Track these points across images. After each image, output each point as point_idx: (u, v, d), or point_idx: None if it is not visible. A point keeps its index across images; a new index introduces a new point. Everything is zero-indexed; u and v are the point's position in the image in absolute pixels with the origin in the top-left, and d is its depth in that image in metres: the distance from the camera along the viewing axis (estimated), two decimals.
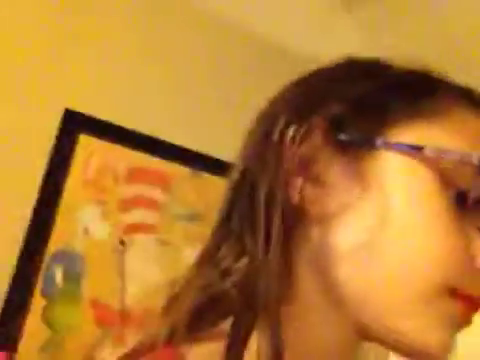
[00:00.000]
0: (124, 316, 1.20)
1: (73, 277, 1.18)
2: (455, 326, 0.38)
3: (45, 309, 1.13)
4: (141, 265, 1.26)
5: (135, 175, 1.33)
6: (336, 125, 0.39)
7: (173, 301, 0.41)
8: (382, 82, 0.40)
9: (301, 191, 0.38)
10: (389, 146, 0.38)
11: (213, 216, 1.29)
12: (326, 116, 0.39)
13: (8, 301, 1.10)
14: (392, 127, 0.38)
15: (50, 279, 1.16)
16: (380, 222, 0.37)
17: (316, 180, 0.38)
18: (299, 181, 0.38)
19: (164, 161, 1.37)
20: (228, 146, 1.46)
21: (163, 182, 1.36)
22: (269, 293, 0.36)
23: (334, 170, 0.38)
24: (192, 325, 0.39)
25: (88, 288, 1.18)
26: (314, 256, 0.38)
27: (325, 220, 0.38)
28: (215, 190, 1.39)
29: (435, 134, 0.38)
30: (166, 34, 1.48)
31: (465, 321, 0.38)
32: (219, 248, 0.40)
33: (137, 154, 1.34)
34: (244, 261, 0.38)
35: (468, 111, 0.40)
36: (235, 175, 0.41)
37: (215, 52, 1.54)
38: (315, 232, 0.38)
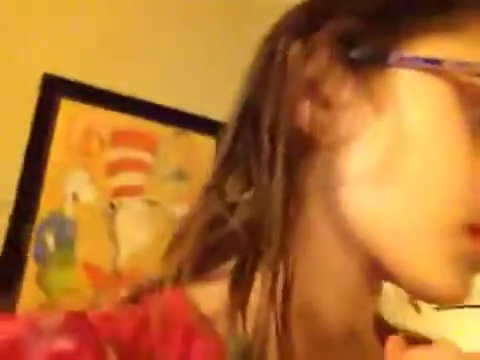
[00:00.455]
0: (117, 277, 1.22)
1: (65, 242, 1.20)
2: (474, 267, 0.35)
3: (39, 274, 1.15)
4: (131, 227, 1.27)
5: (120, 138, 1.32)
6: (345, 41, 0.36)
7: (178, 239, 0.39)
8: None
9: (309, 115, 0.35)
10: (404, 61, 0.35)
11: (200, 175, 1.30)
12: (333, 32, 0.35)
13: (2, 268, 1.12)
14: (407, 41, 0.35)
15: (42, 245, 1.18)
16: (395, 145, 0.34)
17: (325, 103, 0.36)
18: (306, 105, 0.36)
19: (148, 122, 1.37)
20: (214, 104, 1.45)
21: (148, 143, 1.36)
22: (274, 224, 0.34)
23: (344, 91, 0.35)
24: (199, 265, 0.38)
25: (80, 252, 1.21)
26: (322, 184, 0.36)
27: (335, 145, 0.35)
28: (201, 149, 1.40)
29: (454, 48, 0.35)
30: None
31: None
32: (226, 180, 0.38)
33: (121, 116, 1.34)
34: (250, 193, 0.36)
35: None
36: (239, 102, 0.38)
37: (199, 7, 1.50)
38: (323, 160, 0.36)
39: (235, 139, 0.38)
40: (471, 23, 0.36)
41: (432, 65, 0.34)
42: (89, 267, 1.20)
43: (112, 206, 1.27)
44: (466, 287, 0.35)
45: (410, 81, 0.35)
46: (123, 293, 1.15)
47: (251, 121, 0.36)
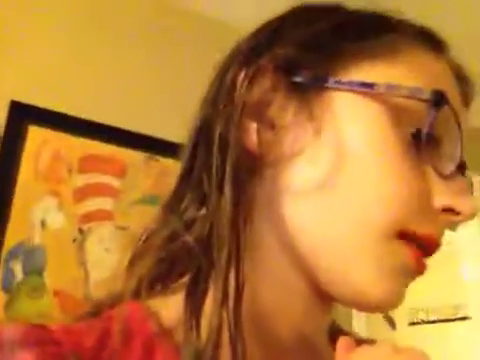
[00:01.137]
0: (88, 304, 1.21)
1: (34, 270, 1.18)
2: (407, 273, 0.37)
3: (7, 304, 1.13)
4: (101, 252, 1.27)
5: (88, 163, 1.32)
6: (287, 66, 0.39)
7: (138, 255, 0.42)
8: (334, 21, 0.40)
9: (256, 136, 0.38)
10: (341, 84, 0.38)
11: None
12: (275, 58, 0.38)
13: None
14: (344, 66, 0.38)
15: (10, 274, 1.15)
16: (333, 163, 0.36)
17: (270, 124, 0.39)
18: (253, 125, 0.38)
19: (117, 147, 1.37)
20: (183, 128, 1.46)
21: (117, 168, 1.36)
22: (223, 237, 0.36)
23: (287, 113, 0.38)
24: (158, 278, 0.40)
25: (51, 279, 1.19)
26: (268, 201, 0.39)
27: (280, 164, 0.38)
28: (172, 173, 1.41)
29: (389, 72, 0.38)
30: (112, 18, 1.47)
31: (417, 268, 0.37)
32: (183, 198, 0.40)
33: (89, 142, 1.34)
34: (204, 209, 0.39)
35: (426, 52, 0.40)
36: (195, 123, 0.41)
37: (167, 34, 1.53)
38: (270, 176, 0.38)
39: (191, 159, 0.41)
40: (408, 50, 0.39)
41: (366, 88, 0.37)
42: (60, 294, 1.19)
43: (81, 232, 1.26)
44: (400, 295, 0.37)
45: (347, 104, 0.38)
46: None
47: (204, 142, 0.40)
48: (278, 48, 0.39)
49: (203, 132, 0.40)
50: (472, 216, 0.37)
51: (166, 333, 0.37)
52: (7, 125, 1.25)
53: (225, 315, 0.34)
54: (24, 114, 1.27)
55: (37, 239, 1.21)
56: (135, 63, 1.47)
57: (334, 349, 0.39)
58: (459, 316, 1.87)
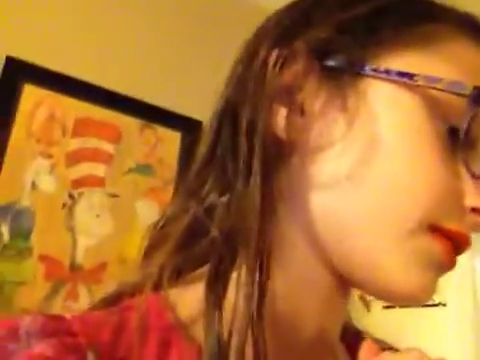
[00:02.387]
0: (75, 271, 1.20)
1: (21, 232, 1.16)
2: (437, 267, 0.36)
3: None
4: (90, 219, 1.25)
5: (83, 127, 1.29)
6: (321, 50, 0.37)
7: (156, 242, 0.39)
8: (373, 6, 0.37)
9: (285, 121, 0.36)
10: (378, 73, 0.36)
11: (164, 170, 1.29)
12: (310, 40, 0.37)
13: None
14: (382, 54, 0.36)
15: None
16: (365, 155, 0.35)
17: (300, 109, 0.37)
18: (283, 110, 0.37)
19: (114, 112, 1.34)
20: (181, 98, 1.43)
21: (112, 134, 1.33)
22: (249, 228, 0.34)
23: (319, 99, 0.36)
24: (179, 268, 0.38)
25: (37, 243, 1.17)
26: (294, 189, 0.37)
27: (309, 151, 0.36)
28: (167, 143, 1.39)
29: (429, 63, 0.36)
30: None
31: (448, 263, 0.36)
32: (205, 183, 0.38)
33: (86, 105, 1.30)
34: (227, 196, 0.37)
35: (470, 43, 0.38)
36: (219, 104, 0.39)
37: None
38: (296, 165, 0.37)
39: (215, 142, 0.38)
40: (451, 39, 0.37)
41: (404, 78, 0.35)
42: (46, 259, 1.17)
43: (71, 197, 1.24)
44: (429, 288, 0.36)
45: (383, 93, 0.36)
46: (81, 287, 1.13)
47: (230, 124, 0.37)
48: (313, 30, 0.37)
49: (229, 114, 0.38)
50: None
51: (183, 326, 0.36)
52: (1, 82, 1.21)
53: (250, 311, 0.33)
54: (19, 71, 1.23)
55: (26, 201, 1.18)
56: (138, 29, 1.42)
57: (345, 347, 0.38)
58: (434, 302, 1.90)
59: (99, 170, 1.29)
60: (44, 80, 1.26)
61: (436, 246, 0.35)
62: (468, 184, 0.36)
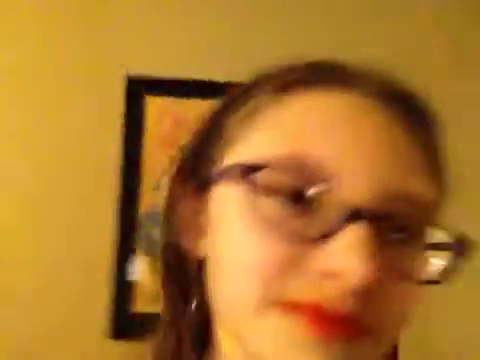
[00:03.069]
0: None
1: None
2: (312, 346, 0.33)
3: (152, 265, 1.27)
4: None
5: None
6: (189, 176, 0.43)
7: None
8: (202, 135, 0.44)
9: (193, 242, 0.43)
10: (217, 177, 0.40)
11: None
12: (180, 170, 0.44)
13: (119, 267, 1.26)
14: (218, 165, 0.41)
15: (150, 239, 1.28)
16: (216, 253, 0.39)
17: (200, 229, 0.42)
18: (190, 235, 0.43)
19: None
20: None
21: None
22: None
23: (200, 215, 0.42)
24: None
25: None
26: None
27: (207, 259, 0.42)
28: None
29: (248, 151, 0.38)
30: None
31: (313, 337, 0.33)
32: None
33: (205, 103, 1.36)
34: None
35: (289, 106, 0.38)
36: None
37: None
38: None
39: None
40: (259, 120, 0.39)
41: (230, 173, 0.38)
42: None
43: None
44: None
45: (220, 191, 0.40)
46: None
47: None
48: (179, 157, 0.45)
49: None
50: (362, 279, 0.32)
51: None
52: (127, 99, 1.33)
53: None
54: (140, 86, 1.34)
55: None
56: (241, 17, 1.43)
57: None
58: None
59: None
60: (162, 89, 1.35)
61: (286, 322, 0.34)
62: (316, 246, 0.34)
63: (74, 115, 1.34)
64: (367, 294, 0.32)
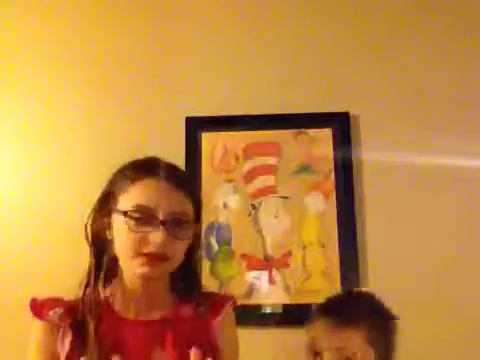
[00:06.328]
0: (268, 261, 1.60)
1: (224, 241, 1.62)
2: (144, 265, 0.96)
3: (210, 268, 1.60)
4: (271, 220, 1.63)
5: (250, 151, 1.67)
6: (103, 208, 1.02)
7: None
8: (107, 189, 1.02)
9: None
10: (116, 212, 1.00)
11: (322, 164, 1.67)
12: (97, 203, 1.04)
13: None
14: (114, 206, 1.00)
15: (209, 246, 1.61)
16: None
17: (109, 229, 1.04)
18: (105, 231, 1.04)
19: (271, 131, 1.68)
20: (323, 98, 1.67)
21: (273, 149, 1.68)
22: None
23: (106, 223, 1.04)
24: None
25: (237, 246, 1.61)
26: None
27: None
28: (320, 141, 1.66)
29: (124, 202, 0.98)
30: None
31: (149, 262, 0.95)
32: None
33: (247, 133, 1.68)
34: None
35: (136, 182, 0.99)
36: None
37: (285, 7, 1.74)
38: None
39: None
40: (130, 186, 0.99)
41: (117, 211, 1.02)
42: (245, 257, 1.60)
43: (253, 207, 1.64)
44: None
45: (115, 218, 1.03)
46: (275, 272, 1.50)
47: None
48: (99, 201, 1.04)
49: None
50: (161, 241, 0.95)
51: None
52: (186, 137, 1.67)
53: None
54: (196, 125, 1.68)
55: (222, 218, 1.63)
56: (276, 59, 1.73)
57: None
58: None
59: (270, 180, 1.66)
60: (214, 126, 1.68)
61: (141, 259, 0.96)
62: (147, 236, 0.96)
63: (147, 151, 1.70)
64: (165, 245, 0.94)
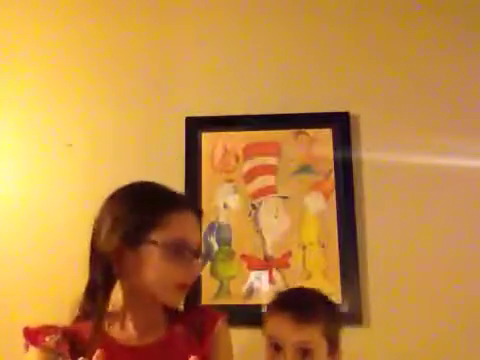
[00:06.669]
0: (268, 261, 1.60)
1: (225, 241, 1.62)
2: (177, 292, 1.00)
3: (211, 268, 1.60)
4: (271, 220, 1.63)
5: (250, 151, 1.67)
6: (127, 238, 0.99)
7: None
8: (138, 220, 1.00)
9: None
10: (147, 244, 1.00)
11: (321, 164, 1.68)
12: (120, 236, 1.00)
13: None
14: (146, 237, 1.00)
15: (209, 246, 1.61)
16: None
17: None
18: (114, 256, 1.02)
19: (271, 131, 1.68)
20: (323, 97, 1.68)
21: (273, 149, 1.67)
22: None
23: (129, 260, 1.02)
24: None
25: (237, 246, 1.61)
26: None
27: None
28: (319, 141, 1.66)
29: (163, 234, 0.99)
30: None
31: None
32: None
33: (247, 133, 1.68)
34: None
35: (178, 214, 1.02)
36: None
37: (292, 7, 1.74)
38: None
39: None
40: (170, 218, 1.00)
41: (154, 243, 1.01)
42: (245, 257, 1.60)
43: (254, 207, 1.63)
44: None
45: (149, 249, 1.02)
46: (275, 272, 1.51)
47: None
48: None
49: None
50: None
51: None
52: (186, 137, 1.67)
53: None
54: (196, 125, 1.68)
55: (223, 218, 1.63)
56: (276, 60, 1.73)
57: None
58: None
59: (269, 180, 1.66)
60: (214, 125, 1.68)
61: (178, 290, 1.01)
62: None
63: (147, 150, 1.70)
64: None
